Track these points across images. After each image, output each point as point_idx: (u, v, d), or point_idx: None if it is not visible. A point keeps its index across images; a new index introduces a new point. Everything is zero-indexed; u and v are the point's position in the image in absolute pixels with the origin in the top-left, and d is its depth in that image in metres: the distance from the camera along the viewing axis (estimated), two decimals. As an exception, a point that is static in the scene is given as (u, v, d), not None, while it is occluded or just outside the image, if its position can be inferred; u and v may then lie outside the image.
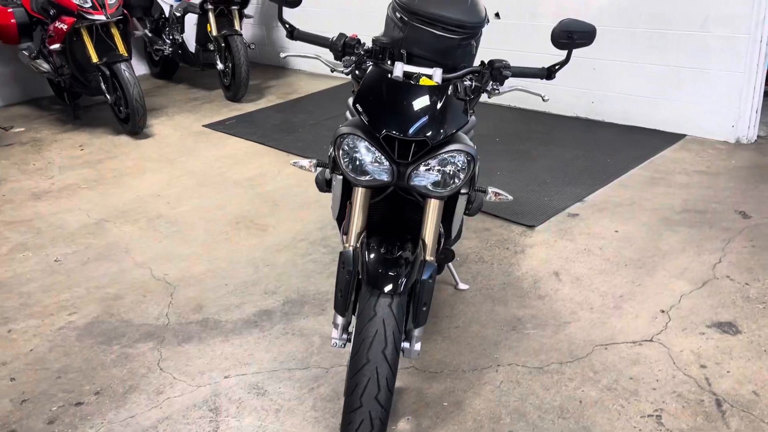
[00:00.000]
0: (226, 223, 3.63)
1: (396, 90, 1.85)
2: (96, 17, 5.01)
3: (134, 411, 2.26)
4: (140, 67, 7.32)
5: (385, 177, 1.83)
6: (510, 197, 2.21)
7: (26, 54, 5.74)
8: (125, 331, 2.71)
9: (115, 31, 5.25)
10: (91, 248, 3.45)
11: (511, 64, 2.03)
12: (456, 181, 1.85)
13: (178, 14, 6.21)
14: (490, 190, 2.20)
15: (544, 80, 2.07)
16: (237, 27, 6.09)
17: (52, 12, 5.17)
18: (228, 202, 3.91)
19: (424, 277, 1.91)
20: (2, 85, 6.51)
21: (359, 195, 1.95)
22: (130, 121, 5.20)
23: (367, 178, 1.85)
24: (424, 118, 1.79)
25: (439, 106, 1.82)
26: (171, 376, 2.43)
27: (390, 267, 1.80)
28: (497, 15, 5.05)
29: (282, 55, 2.13)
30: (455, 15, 2.04)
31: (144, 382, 2.40)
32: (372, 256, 1.83)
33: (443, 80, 1.96)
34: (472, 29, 2.08)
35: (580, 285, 2.83)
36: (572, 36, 1.96)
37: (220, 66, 5.97)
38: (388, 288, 1.75)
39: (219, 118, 5.63)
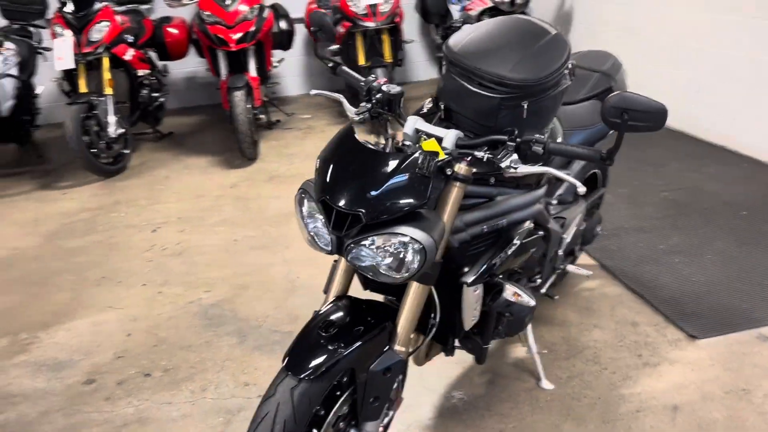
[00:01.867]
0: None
1: (351, 151, 1.62)
2: (367, 24, 5.40)
3: (174, 399, 2.46)
4: (432, 71, 7.66)
5: (326, 246, 1.62)
6: (532, 302, 1.75)
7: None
8: (226, 321, 2.94)
9: (385, 38, 5.58)
10: (266, 236, 3.80)
11: (559, 141, 1.60)
12: (397, 274, 1.55)
13: (457, 25, 6.29)
14: (510, 288, 1.78)
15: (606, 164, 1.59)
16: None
17: (337, 16, 5.73)
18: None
19: (377, 368, 1.66)
20: (316, 75, 7.46)
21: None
22: (379, 122, 5.50)
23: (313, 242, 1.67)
24: (369, 191, 1.53)
25: (391, 178, 1.53)
26: (222, 378, 2.56)
27: (316, 346, 1.60)
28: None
29: (312, 92, 2.04)
30: (494, 69, 1.68)
31: (201, 375, 2.58)
32: (306, 326, 1.65)
33: (458, 146, 1.65)
34: (517, 88, 1.68)
35: (695, 435, 2.12)
36: (624, 115, 1.46)
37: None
38: (295, 369, 1.56)
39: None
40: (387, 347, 1.68)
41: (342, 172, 1.58)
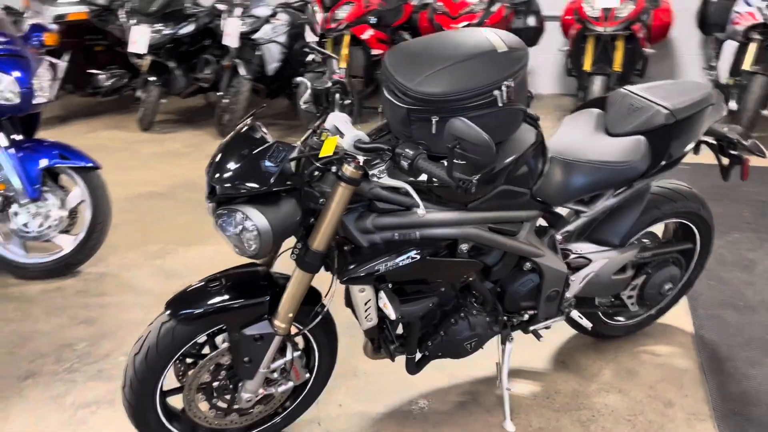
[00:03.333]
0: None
1: (239, 135, 1.77)
2: (595, 28, 5.08)
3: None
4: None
5: (210, 213, 1.81)
6: (393, 315, 1.68)
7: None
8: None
9: (619, 45, 5.20)
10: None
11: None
12: (245, 249, 1.68)
13: (722, 39, 5.48)
14: (383, 297, 1.74)
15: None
16: (780, 65, 4.99)
17: (566, 16, 5.50)
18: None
19: (248, 332, 1.83)
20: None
21: None
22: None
23: None
24: (229, 167, 1.69)
25: (244, 161, 1.68)
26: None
27: (197, 295, 1.82)
28: None
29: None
30: (402, 78, 1.66)
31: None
32: (205, 277, 1.87)
33: (357, 148, 1.68)
34: (421, 102, 1.63)
35: None
36: (455, 142, 1.40)
37: (733, 106, 5.08)
38: (170, 307, 1.81)
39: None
40: (265, 317, 1.83)
41: (223, 151, 1.76)
